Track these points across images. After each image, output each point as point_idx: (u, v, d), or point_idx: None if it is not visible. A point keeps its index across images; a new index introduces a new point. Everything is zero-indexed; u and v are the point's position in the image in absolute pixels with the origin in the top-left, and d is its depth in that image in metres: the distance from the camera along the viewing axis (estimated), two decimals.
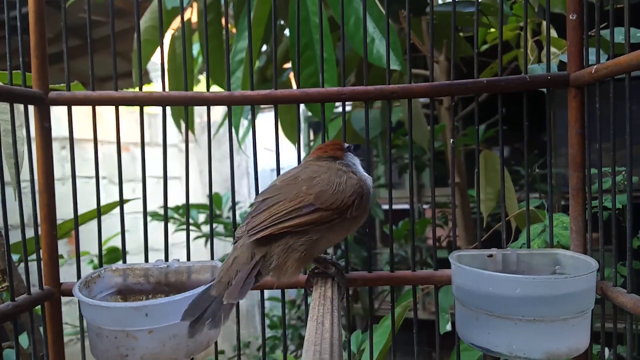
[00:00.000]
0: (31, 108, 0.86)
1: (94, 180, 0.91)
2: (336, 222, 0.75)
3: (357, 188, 0.77)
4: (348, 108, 1.77)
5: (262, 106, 1.81)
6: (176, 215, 2.03)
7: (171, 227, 2.03)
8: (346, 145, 0.86)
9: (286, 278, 0.74)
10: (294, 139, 1.60)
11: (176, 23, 1.52)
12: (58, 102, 0.87)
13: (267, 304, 3.17)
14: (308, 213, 0.73)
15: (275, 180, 0.81)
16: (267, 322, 2.98)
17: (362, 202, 0.78)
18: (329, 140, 0.87)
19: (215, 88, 1.44)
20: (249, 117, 1.40)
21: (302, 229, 0.73)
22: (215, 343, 0.88)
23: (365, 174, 0.84)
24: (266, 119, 1.36)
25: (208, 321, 0.66)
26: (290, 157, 1.05)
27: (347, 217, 0.76)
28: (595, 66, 0.77)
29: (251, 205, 0.83)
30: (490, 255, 0.82)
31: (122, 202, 0.94)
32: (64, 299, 0.90)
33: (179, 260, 0.88)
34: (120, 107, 0.90)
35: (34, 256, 0.90)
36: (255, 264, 0.71)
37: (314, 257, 0.78)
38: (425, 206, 3.76)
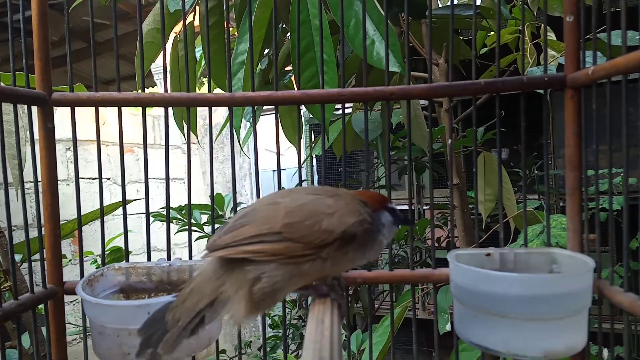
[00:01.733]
0: (34, 109, 0.87)
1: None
2: (307, 260, 0.62)
3: (349, 226, 0.63)
4: (348, 110, 1.77)
5: (263, 109, 1.82)
6: (179, 216, 2.04)
7: (175, 227, 2.04)
8: (391, 205, 0.72)
9: (240, 318, 0.64)
10: (295, 140, 1.60)
11: (179, 26, 1.53)
12: (61, 103, 0.88)
13: None
14: (273, 241, 0.62)
15: (255, 202, 0.71)
16: (268, 321, 2.98)
17: (352, 246, 0.64)
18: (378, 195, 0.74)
19: (218, 91, 1.45)
20: (250, 119, 1.41)
21: (266, 259, 0.62)
22: (217, 342, 0.89)
23: (388, 228, 0.70)
24: (267, 121, 1.37)
25: (149, 351, 0.60)
26: (291, 158, 1.06)
27: (322, 257, 0.63)
28: (592, 68, 0.77)
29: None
30: (488, 254, 0.82)
31: (124, 202, 0.95)
32: (67, 300, 0.91)
33: (180, 259, 0.89)
34: (125, 110, 0.91)
35: (37, 256, 0.91)
36: (199, 311, 0.62)
37: (275, 300, 0.65)
38: (425, 207, 3.76)
